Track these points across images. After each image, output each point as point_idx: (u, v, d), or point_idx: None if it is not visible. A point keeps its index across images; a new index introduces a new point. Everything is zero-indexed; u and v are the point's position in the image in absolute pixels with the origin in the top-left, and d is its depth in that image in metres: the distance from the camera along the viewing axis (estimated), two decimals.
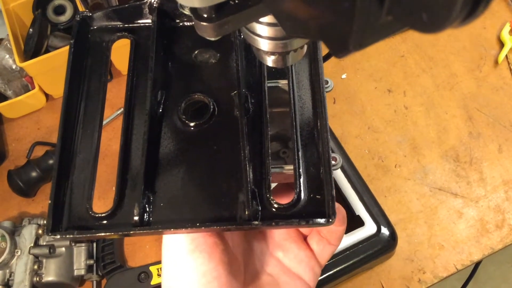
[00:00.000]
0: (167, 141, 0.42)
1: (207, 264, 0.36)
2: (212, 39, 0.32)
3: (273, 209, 0.38)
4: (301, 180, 0.39)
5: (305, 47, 0.35)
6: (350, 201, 0.72)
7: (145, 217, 0.38)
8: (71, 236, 0.38)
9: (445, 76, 0.87)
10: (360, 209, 0.72)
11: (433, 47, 0.90)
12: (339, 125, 0.84)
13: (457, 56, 0.89)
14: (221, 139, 0.42)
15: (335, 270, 0.69)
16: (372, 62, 0.90)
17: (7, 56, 0.86)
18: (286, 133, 0.48)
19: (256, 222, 0.37)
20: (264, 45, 0.33)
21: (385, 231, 0.71)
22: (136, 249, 0.78)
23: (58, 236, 0.38)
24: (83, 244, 0.72)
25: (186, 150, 0.42)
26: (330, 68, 0.89)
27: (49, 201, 0.38)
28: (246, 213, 0.37)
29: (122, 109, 0.90)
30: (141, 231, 0.37)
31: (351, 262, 0.69)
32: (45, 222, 0.71)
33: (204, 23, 0.28)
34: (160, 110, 0.44)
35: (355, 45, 0.18)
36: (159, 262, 0.72)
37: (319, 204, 0.38)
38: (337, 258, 0.69)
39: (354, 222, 0.71)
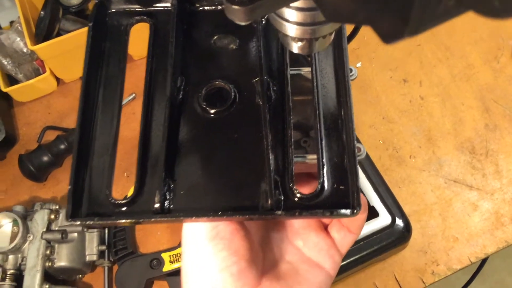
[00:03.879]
0: (187, 128, 0.41)
1: (227, 250, 0.36)
2: (242, 23, 0.31)
3: (296, 199, 0.37)
4: (325, 170, 0.38)
5: (333, 34, 0.35)
6: (365, 191, 0.71)
7: (165, 204, 0.38)
8: (91, 222, 0.37)
9: (461, 67, 0.86)
10: (374, 200, 0.71)
11: (450, 37, 0.89)
12: None
13: (474, 46, 0.88)
14: (242, 127, 0.41)
15: (348, 260, 0.69)
16: (387, 51, 0.89)
17: (18, 39, 0.85)
18: (307, 122, 0.47)
19: (279, 212, 0.36)
20: (292, 30, 0.32)
21: (399, 222, 0.70)
22: (147, 236, 0.77)
23: (78, 222, 0.37)
24: (95, 230, 0.72)
25: (207, 138, 0.41)
26: None
27: (69, 187, 0.38)
28: (269, 202, 0.36)
29: (133, 95, 0.89)
30: (163, 219, 0.37)
31: (364, 253, 0.69)
32: (57, 207, 0.71)
33: (236, 7, 0.27)
34: (180, 97, 0.43)
35: (410, 31, 0.17)
36: (171, 249, 0.72)
37: (343, 195, 0.37)
38: (351, 248, 0.68)
39: (369, 213, 0.70)
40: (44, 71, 0.87)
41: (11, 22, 0.90)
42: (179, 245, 0.72)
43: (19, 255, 0.67)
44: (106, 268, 0.73)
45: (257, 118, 0.41)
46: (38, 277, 0.64)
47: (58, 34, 0.84)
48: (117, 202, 0.38)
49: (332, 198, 0.38)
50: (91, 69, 0.43)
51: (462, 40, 0.88)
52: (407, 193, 0.77)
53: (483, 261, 1.26)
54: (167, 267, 0.70)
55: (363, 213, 0.41)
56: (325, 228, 0.43)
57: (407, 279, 0.71)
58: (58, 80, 0.91)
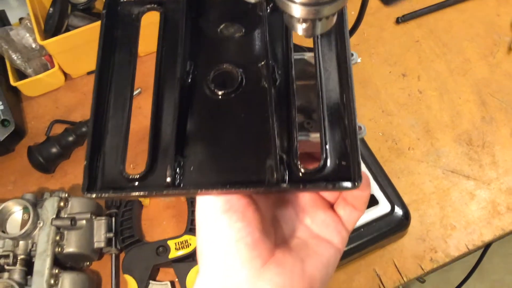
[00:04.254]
0: (196, 109, 0.43)
1: (241, 221, 0.37)
2: (252, 1, 0.34)
3: (300, 174, 0.39)
4: (327, 146, 0.40)
5: (335, 16, 0.37)
6: None
7: (176, 180, 0.40)
8: (106, 195, 0.39)
9: (459, 62, 0.88)
10: (374, 189, 0.73)
11: (447, 33, 0.91)
12: None
13: (471, 42, 0.90)
14: (249, 108, 0.43)
15: (349, 247, 0.71)
16: (386, 47, 0.91)
17: (27, 35, 0.88)
18: (310, 105, 0.50)
19: (284, 185, 0.38)
20: (297, 11, 0.34)
21: (398, 210, 0.72)
22: (153, 225, 0.79)
23: (94, 195, 0.39)
24: (103, 218, 0.74)
25: (215, 118, 0.43)
26: None
27: (85, 162, 0.40)
28: (274, 176, 0.38)
29: (139, 90, 0.92)
30: (174, 191, 0.39)
31: (365, 239, 0.71)
32: (66, 195, 0.73)
33: None
34: (189, 80, 0.45)
35: None
36: (176, 237, 0.73)
37: (345, 170, 0.39)
38: (351, 235, 0.70)
39: (369, 201, 0.72)
40: (53, 66, 0.89)
41: (20, 19, 0.93)
42: (184, 233, 0.74)
43: (30, 241, 0.69)
44: (113, 255, 0.75)
45: (263, 99, 0.43)
46: (48, 261, 0.66)
47: (67, 30, 0.87)
48: (130, 177, 0.40)
49: (334, 173, 0.39)
50: (105, 55, 0.44)
51: (459, 36, 0.91)
52: (406, 183, 0.79)
53: (480, 258, 1.28)
54: (173, 254, 0.72)
55: (366, 190, 0.43)
56: (331, 207, 0.44)
57: (406, 266, 0.73)
58: (65, 75, 0.93)
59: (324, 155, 0.40)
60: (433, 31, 0.92)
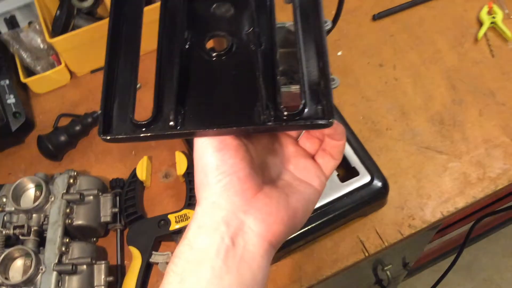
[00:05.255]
0: (193, 69, 0.51)
1: (234, 158, 0.44)
2: None
3: (284, 117, 0.47)
4: (307, 94, 0.48)
5: None
6: (347, 155, 0.81)
7: (178, 124, 0.47)
8: (119, 136, 0.46)
9: (430, 52, 0.97)
10: (355, 162, 0.80)
11: (420, 27, 1.00)
12: (336, 96, 0.91)
13: (441, 34, 0.99)
14: (239, 68, 0.50)
15: (333, 214, 0.77)
16: (364, 41, 1.00)
17: (36, 36, 0.96)
18: (291, 69, 0.58)
19: (270, 123, 0.46)
20: None
21: (377, 180, 0.79)
22: (154, 204, 0.86)
23: (109, 137, 0.46)
24: (108, 194, 0.80)
25: (210, 76, 0.50)
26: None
27: (99, 111, 0.47)
28: (262, 118, 0.46)
29: (139, 84, 0.99)
30: (176, 132, 0.46)
31: (347, 207, 0.78)
32: (75, 173, 0.80)
33: None
34: (187, 46, 0.52)
35: None
36: (176, 211, 0.80)
37: (320, 112, 0.47)
38: (335, 204, 0.78)
39: (350, 173, 0.80)
40: (59, 65, 0.97)
41: (29, 23, 1.01)
42: (183, 207, 0.81)
43: (42, 215, 0.75)
44: (119, 230, 0.81)
45: (251, 60, 0.50)
46: (59, 230, 0.73)
47: (73, 30, 0.95)
48: (139, 123, 0.47)
49: (312, 115, 0.47)
50: (116, 23, 0.52)
51: (430, 29, 1.00)
52: (385, 159, 0.86)
53: (459, 252, 1.36)
54: (173, 226, 0.79)
55: (341, 140, 0.50)
56: (312, 157, 0.52)
57: (387, 232, 0.80)
58: (71, 74, 1.01)
59: (304, 100, 0.47)
60: (407, 26, 1.01)
